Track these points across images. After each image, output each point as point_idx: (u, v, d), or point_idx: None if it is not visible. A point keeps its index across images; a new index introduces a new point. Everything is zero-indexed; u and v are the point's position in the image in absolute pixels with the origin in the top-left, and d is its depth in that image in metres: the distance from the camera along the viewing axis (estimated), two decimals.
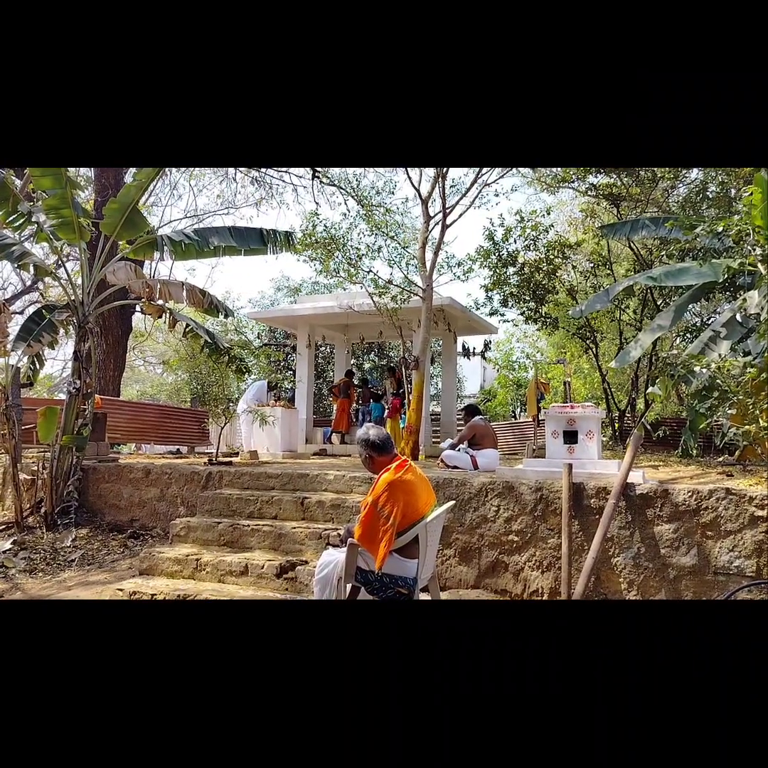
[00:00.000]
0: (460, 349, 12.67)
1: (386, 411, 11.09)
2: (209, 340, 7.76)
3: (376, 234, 9.18)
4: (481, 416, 7.35)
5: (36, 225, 7.30)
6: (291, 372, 16.93)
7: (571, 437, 5.65)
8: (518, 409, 21.48)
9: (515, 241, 10.86)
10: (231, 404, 9.04)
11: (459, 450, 7.07)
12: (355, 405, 13.34)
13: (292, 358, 17.41)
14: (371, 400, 12.00)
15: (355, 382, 13.61)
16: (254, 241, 8.18)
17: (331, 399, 16.01)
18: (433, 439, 11.99)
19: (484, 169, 8.85)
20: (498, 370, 21.01)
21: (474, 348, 12.64)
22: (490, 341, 14.04)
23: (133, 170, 10.34)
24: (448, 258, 9.33)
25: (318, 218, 9.00)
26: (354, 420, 12.93)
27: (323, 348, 18.50)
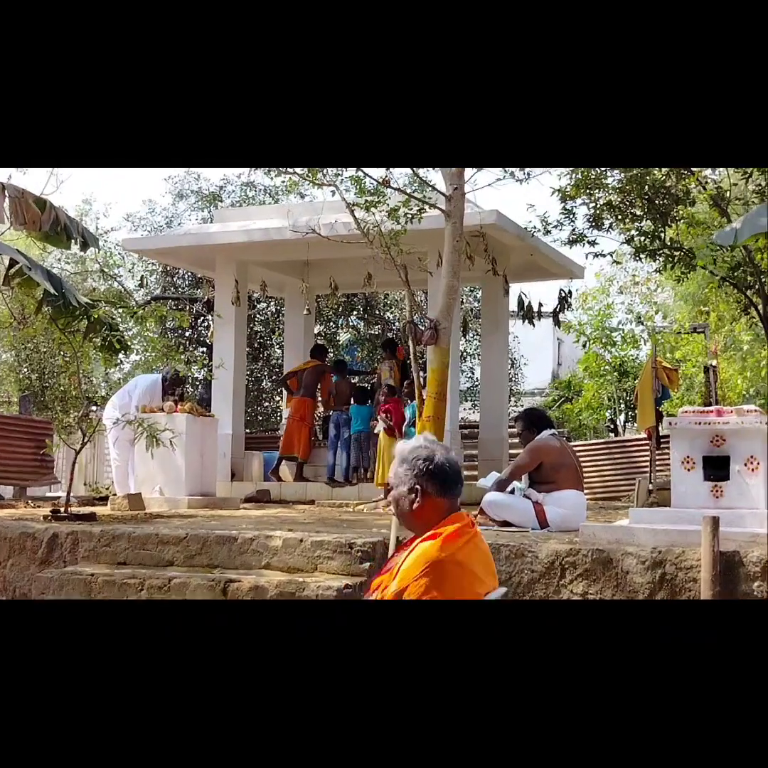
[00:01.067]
0: (515, 306, 12.69)
1: (380, 423, 10.98)
2: (53, 292, 7.74)
3: None
4: (552, 431, 7.37)
5: None
6: (204, 350, 16.93)
7: (718, 468, 5.69)
8: (622, 417, 21.60)
9: None
10: (95, 409, 9.01)
11: (512, 491, 7.11)
12: (321, 409, 13.32)
13: (205, 324, 17.41)
14: (353, 401, 11.89)
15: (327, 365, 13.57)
16: None
17: (279, 398, 16.03)
18: (467, 473, 12.03)
19: None
20: (584, 346, 21.08)
21: (541, 305, 12.63)
22: (571, 292, 14.05)
23: None
24: None
25: None
26: (320, 436, 12.91)
27: (264, 304, 18.54)
